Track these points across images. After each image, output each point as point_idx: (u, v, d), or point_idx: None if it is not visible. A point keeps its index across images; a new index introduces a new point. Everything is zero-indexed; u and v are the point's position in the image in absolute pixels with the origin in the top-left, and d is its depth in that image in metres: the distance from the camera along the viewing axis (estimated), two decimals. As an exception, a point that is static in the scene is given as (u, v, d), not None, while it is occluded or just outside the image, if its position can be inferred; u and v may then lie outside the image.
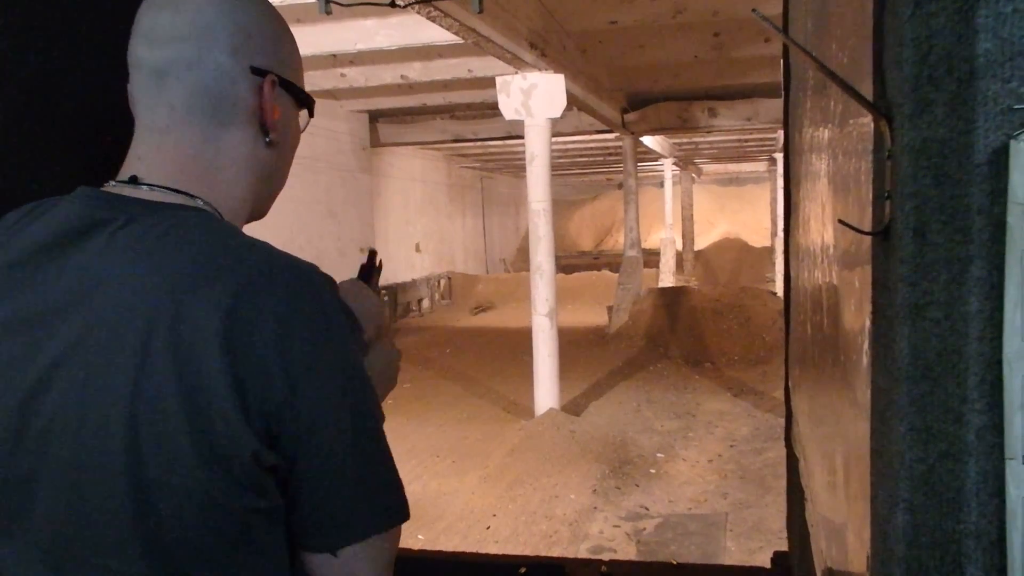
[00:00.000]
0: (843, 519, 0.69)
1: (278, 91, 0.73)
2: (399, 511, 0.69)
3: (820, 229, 0.87)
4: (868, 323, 0.53)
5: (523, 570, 1.45)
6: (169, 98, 0.69)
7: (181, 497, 0.59)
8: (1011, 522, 0.40)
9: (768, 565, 1.70)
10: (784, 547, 1.77)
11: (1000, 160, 0.40)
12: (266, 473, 0.61)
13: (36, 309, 0.63)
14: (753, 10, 0.49)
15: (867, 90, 0.53)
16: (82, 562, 0.62)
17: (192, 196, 0.68)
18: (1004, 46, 0.40)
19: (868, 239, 0.54)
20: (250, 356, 0.59)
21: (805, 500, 1.16)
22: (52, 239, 0.65)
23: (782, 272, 1.99)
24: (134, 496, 0.59)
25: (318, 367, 0.62)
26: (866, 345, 0.54)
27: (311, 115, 0.81)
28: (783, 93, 1.61)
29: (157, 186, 0.68)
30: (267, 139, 0.73)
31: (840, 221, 0.57)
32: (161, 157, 0.69)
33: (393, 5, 1.38)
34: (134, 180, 0.68)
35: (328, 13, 1.36)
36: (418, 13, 3.01)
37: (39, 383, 0.61)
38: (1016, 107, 0.40)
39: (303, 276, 0.64)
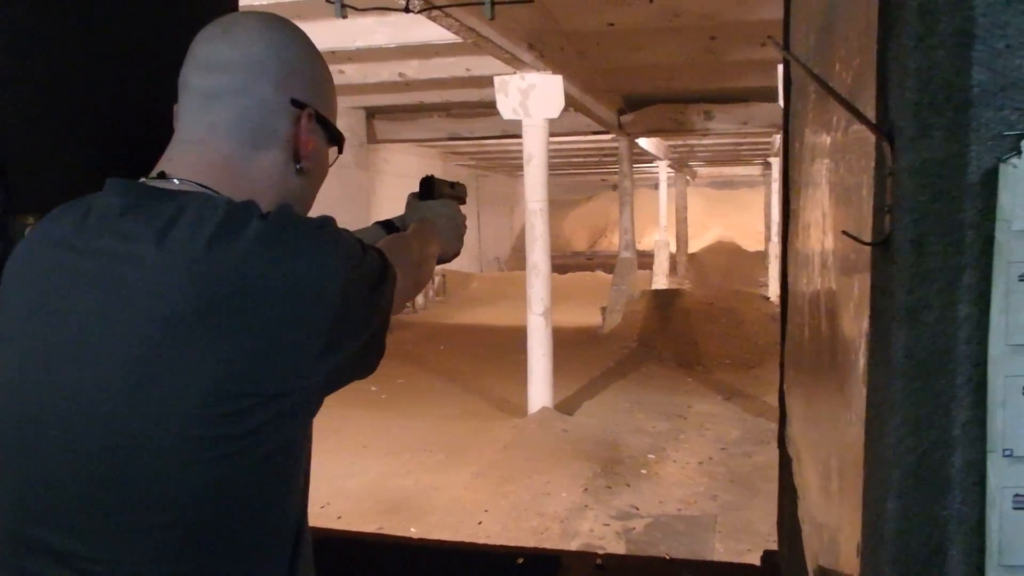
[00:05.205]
0: (836, 517, 0.73)
1: (314, 125, 0.78)
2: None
3: (820, 236, 0.91)
4: (866, 325, 0.58)
5: (520, 560, 1.49)
6: (213, 118, 0.74)
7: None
8: (990, 509, 0.44)
9: (758, 563, 1.74)
10: (772, 548, 1.81)
11: (991, 181, 0.44)
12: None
13: (68, 285, 0.67)
14: (769, 36, 0.53)
15: (869, 109, 0.58)
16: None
17: (217, 192, 0.72)
18: (996, 78, 0.44)
19: (867, 248, 0.58)
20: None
21: (797, 499, 1.20)
22: (83, 222, 0.70)
23: (777, 276, 2.03)
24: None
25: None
26: (863, 346, 0.59)
27: (340, 152, 0.86)
28: (783, 101, 1.65)
29: (185, 180, 0.72)
30: (298, 166, 0.78)
31: (844, 232, 0.61)
32: (192, 161, 0.74)
33: (407, 10, 1.41)
34: (162, 175, 0.73)
35: (343, 17, 1.40)
36: (419, 13, 3.05)
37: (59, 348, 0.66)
38: (1006, 133, 0.44)
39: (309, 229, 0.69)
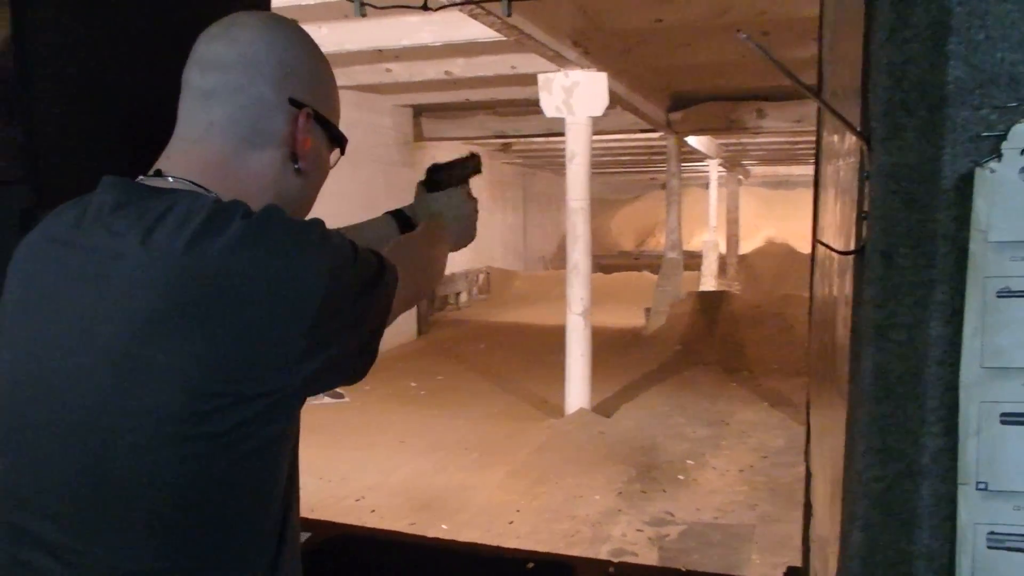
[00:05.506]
0: (828, 536, 0.69)
1: (312, 125, 0.78)
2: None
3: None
4: (848, 341, 0.54)
5: (531, 565, 1.47)
6: (210, 117, 0.74)
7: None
8: (961, 546, 0.40)
9: (780, 578, 1.68)
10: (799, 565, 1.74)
11: (966, 186, 0.40)
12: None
13: (61, 279, 0.69)
14: (737, 30, 0.50)
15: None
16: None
17: (208, 191, 0.72)
18: (975, 73, 0.40)
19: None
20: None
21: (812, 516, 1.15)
22: (80, 219, 0.71)
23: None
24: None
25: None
26: (846, 364, 0.55)
27: (342, 153, 0.85)
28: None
29: (179, 178, 0.73)
30: (296, 166, 0.77)
31: (818, 240, 0.57)
32: (188, 160, 0.74)
33: (425, 8, 1.42)
34: (158, 173, 0.74)
35: (363, 15, 1.41)
36: (460, 11, 3.05)
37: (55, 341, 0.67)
38: (984, 134, 0.40)
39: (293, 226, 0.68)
